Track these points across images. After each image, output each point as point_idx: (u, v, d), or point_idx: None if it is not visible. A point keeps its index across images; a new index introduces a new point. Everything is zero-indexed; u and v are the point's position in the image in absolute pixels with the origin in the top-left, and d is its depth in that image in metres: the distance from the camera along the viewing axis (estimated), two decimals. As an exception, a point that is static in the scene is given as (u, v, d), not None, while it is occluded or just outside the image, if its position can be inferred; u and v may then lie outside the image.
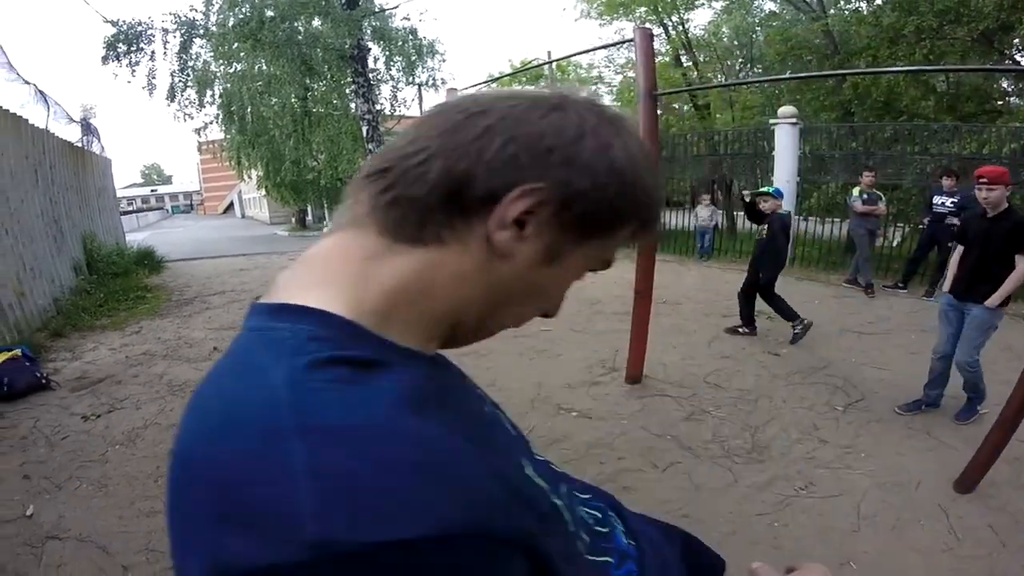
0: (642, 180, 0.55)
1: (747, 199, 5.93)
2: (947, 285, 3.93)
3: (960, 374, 3.78)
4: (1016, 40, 9.85)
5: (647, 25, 19.46)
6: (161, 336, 6.42)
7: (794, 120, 9.72)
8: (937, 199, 7.28)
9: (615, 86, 25.66)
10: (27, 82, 7.97)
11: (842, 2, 14.05)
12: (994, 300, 3.57)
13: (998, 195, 3.58)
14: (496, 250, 0.52)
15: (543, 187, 0.50)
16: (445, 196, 0.50)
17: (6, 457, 3.71)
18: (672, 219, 12.16)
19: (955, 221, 6.40)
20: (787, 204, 8.68)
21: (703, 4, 19.05)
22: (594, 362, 5.05)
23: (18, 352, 4.80)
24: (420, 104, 17.73)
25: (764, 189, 5.93)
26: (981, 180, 3.64)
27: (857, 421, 3.87)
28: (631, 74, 22.83)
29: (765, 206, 5.65)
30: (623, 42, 7.75)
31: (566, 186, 0.51)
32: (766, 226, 5.66)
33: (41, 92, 8.54)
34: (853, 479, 3.17)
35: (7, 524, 2.98)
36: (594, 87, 27.91)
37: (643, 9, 18.91)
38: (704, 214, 11.26)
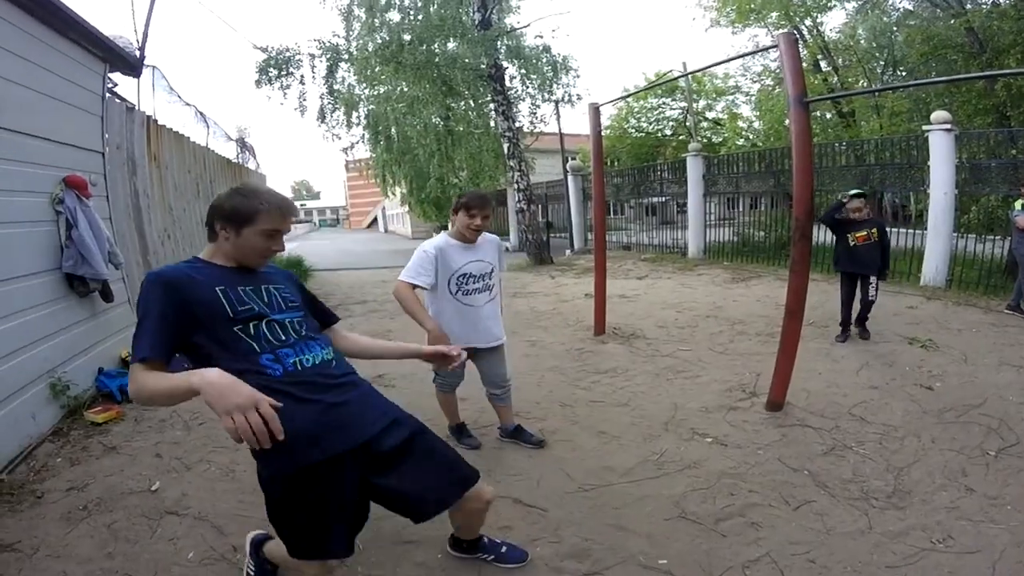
0: (230, 203, 1.82)
1: (841, 199, 6.00)
2: None
3: None
4: None
5: (782, 31, 18.62)
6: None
7: (949, 126, 8.63)
8: None
9: (752, 95, 24.65)
10: (188, 104, 8.79)
11: None
12: None
13: None
14: (221, 237, 1.84)
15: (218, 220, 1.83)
16: (209, 227, 1.87)
17: (144, 436, 4.00)
18: (821, 235, 11.32)
19: None
20: (945, 218, 8.67)
21: (835, 5, 18.00)
22: (734, 385, 4.68)
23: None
24: (558, 120, 17.80)
25: (858, 191, 6.06)
26: None
27: (1009, 468, 3.28)
28: (768, 82, 21.88)
29: (855, 207, 5.84)
30: (764, 49, 7.43)
31: (221, 217, 1.83)
32: (875, 228, 5.84)
33: (201, 113, 9.43)
34: (994, 535, 2.67)
35: (131, 495, 3.18)
36: (731, 96, 26.95)
37: (775, 14, 18.12)
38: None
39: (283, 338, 1.79)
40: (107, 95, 5.64)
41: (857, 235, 5.90)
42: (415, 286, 3.23)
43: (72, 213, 4.52)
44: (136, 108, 6.52)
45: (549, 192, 20.05)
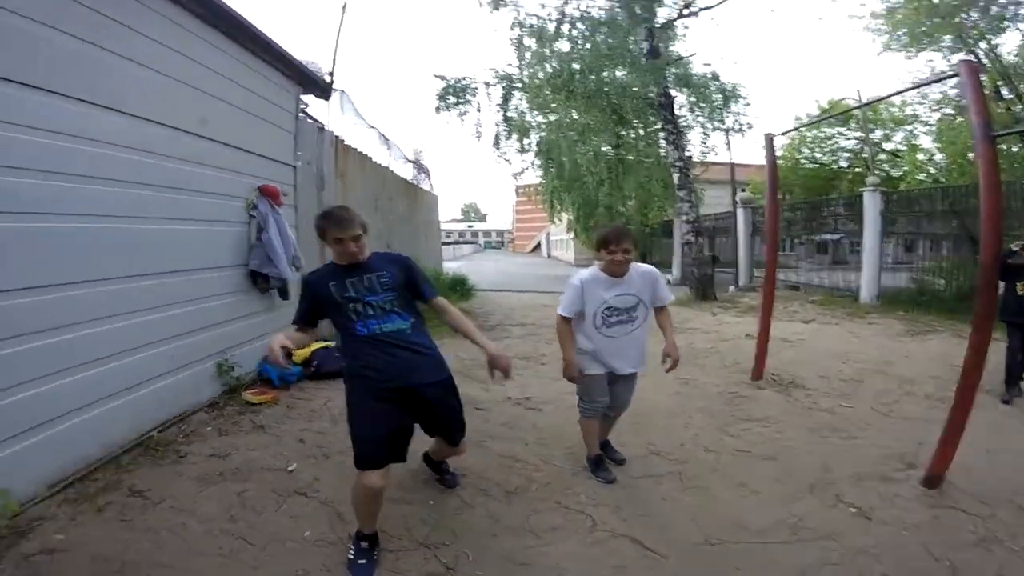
0: (315, 224, 2.73)
1: (1016, 248, 5.37)
2: None
3: None
4: None
5: (958, 56, 16.70)
6: (459, 355, 6.92)
7: None
8: None
9: (932, 124, 22.23)
10: (371, 126, 9.53)
11: None
12: None
13: None
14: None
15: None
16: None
17: (292, 422, 4.33)
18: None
19: None
20: None
21: (1009, 26, 15.85)
22: (892, 453, 4.11)
23: (331, 343, 5.63)
24: (728, 149, 17.19)
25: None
26: None
27: None
28: (948, 110, 19.78)
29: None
30: (942, 78, 6.62)
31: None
32: None
33: (384, 136, 10.16)
34: None
35: (267, 471, 3.44)
36: (910, 127, 24.49)
37: (948, 37, 16.33)
38: None
39: (370, 313, 2.69)
40: (300, 115, 6.30)
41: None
42: (568, 319, 3.41)
43: (263, 218, 5.15)
44: (326, 128, 7.18)
45: (717, 224, 19.25)
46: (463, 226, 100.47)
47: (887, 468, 3.86)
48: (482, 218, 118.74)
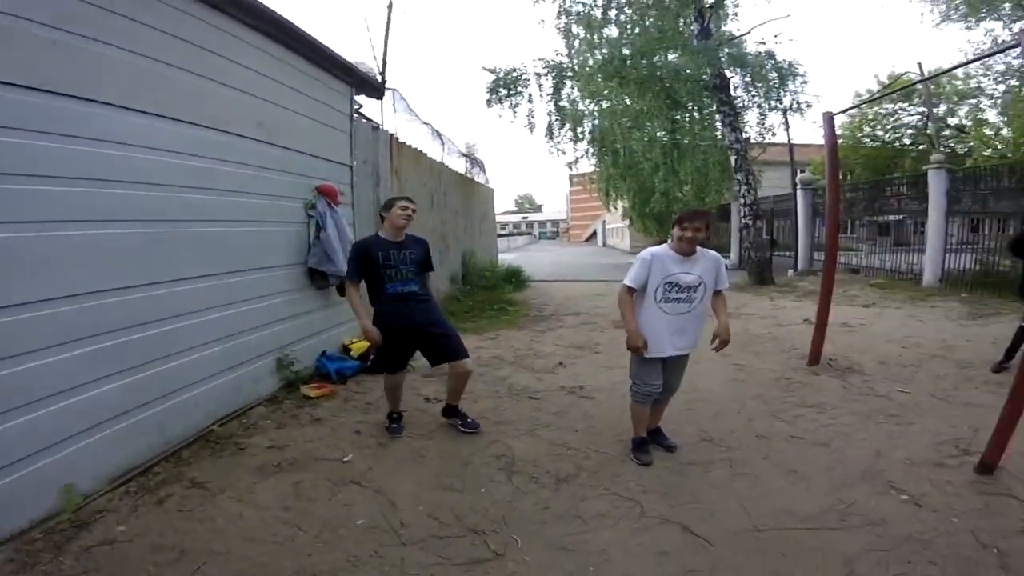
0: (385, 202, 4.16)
1: None
2: None
3: None
4: None
5: (1019, 23, 15.72)
6: (513, 345, 7.04)
7: None
8: None
9: (997, 97, 21.02)
10: (424, 123, 9.68)
11: None
12: None
13: None
14: (386, 221, 4.03)
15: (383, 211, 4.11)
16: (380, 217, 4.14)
17: (348, 414, 4.51)
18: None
19: None
20: None
21: None
22: (947, 439, 3.98)
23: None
24: (787, 129, 16.73)
25: None
26: None
27: None
28: (1015, 82, 18.65)
29: None
30: (1005, 48, 6.31)
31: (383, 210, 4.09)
32: None
33: (437, 131, 10.31)
34: None
35: (323, 461, 3.59)
36: (974, 100, 23.21)
37: (1008, 5, 15.41)
38: None
39: (398, 278, 3.92)
40: (354, 115, 6.50)
41: None
42: (632, 289, 3.55)
43: (322, 217, 5.36)
44: (380, 127, 7.37)
45: (775, 207, 18.73)
46: (518, 217, 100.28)
47: (940, 454, 3.77)
48: (537, 209, 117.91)
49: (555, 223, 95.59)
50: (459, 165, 12.31)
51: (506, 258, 18.77)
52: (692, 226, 3.40)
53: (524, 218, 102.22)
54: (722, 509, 3.12)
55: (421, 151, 9.16)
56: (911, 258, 13.10)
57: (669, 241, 3.58)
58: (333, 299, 5.71)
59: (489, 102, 15.28)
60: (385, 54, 7.14)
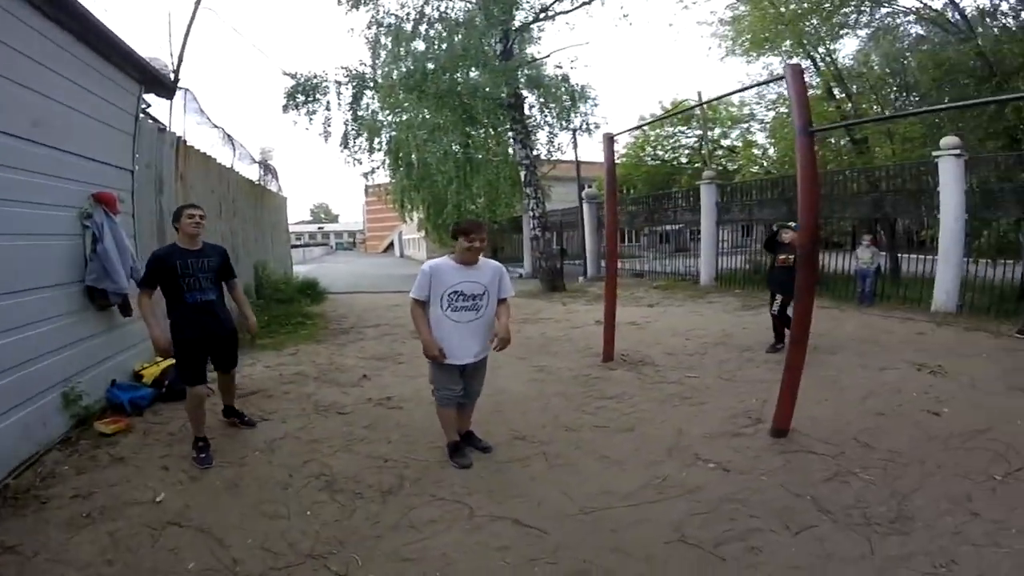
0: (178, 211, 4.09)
1: (775, 228, 7.29)
2: None
3: None
4: None
5: (795, 60, 18.71)
6: (315, 360, 6.82)
7: (958, 151, 8.72)
8: None
9: (767, 122, 24.67)
10: (215, 126, 9.04)
11: (988, 20, 12.82)
12: None
13: None
14: (179, 232, 3.98)
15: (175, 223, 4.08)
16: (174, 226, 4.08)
17: (151, 448, 4.08)
18: (831, 262, 11.33)
19: None
20: (955, 244, 8.92)
21: (848, 33, 18.08)
22: (739, 412, 4.69)
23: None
24: (575, 148, 18.00)
25: (789, 224, 7.03)
26: None
27: (1015, 493, 3.26)
28: (783, 109, 21.95)
29: (786, 236, 6.70)
30: (773, 80, 7.55)
31: (174, 220, 4.12)
32: (792, 255, 6.42)
33: (228, 135, 9.66)
34: (998, 560, 2.66)
35: (135, 505, 3.23)
36: (746, 124, 26.98)
37: (788, 43, 18.25)
38: (865, 256, 10.33)
39: (197, 287, 3.89)
40: (140, 115, 5.85)
41: (779, 257, 6.82)
42: (420, 301, 3.68)
43: (99, 228, 4.71)
44: (167, 129, 6.74)
45: (564, 219, 20.24)
46: (313, 228, 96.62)
47: (736, 426, 4.39)
48: (333, 219, 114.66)
49: (352, 233, 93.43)
50: (252, 172, 11.63)
51: (302, 270, 18.04)
52: (479, 237, 3.62)
53: (320, 228, 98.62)
54: (547, 499, 3.33)
55: (210, 156, 8.49)
56: (689, 262, 14.88)
57: (449, 255, 3.76)
58: (117, 320, 5.06)
59: (285, 108, 14.66)
60: (183, 51, 6.56)
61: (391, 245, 62.94)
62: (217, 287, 4.09)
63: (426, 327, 3.66)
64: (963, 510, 3.10)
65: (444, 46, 14.29)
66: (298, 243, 51.08)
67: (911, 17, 15.94)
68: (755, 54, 19.33)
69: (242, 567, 2.65)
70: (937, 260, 9.21)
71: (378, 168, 17.75)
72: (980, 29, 12.79)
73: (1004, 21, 12.51)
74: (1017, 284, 8.45)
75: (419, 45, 14.71)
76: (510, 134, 15.66)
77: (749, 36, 18.57)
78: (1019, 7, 12.01)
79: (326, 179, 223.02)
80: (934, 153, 9.27)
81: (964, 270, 9.08)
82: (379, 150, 16.74)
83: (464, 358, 3.70)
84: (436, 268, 3.65)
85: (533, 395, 5.31)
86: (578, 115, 15.94)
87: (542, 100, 15.76)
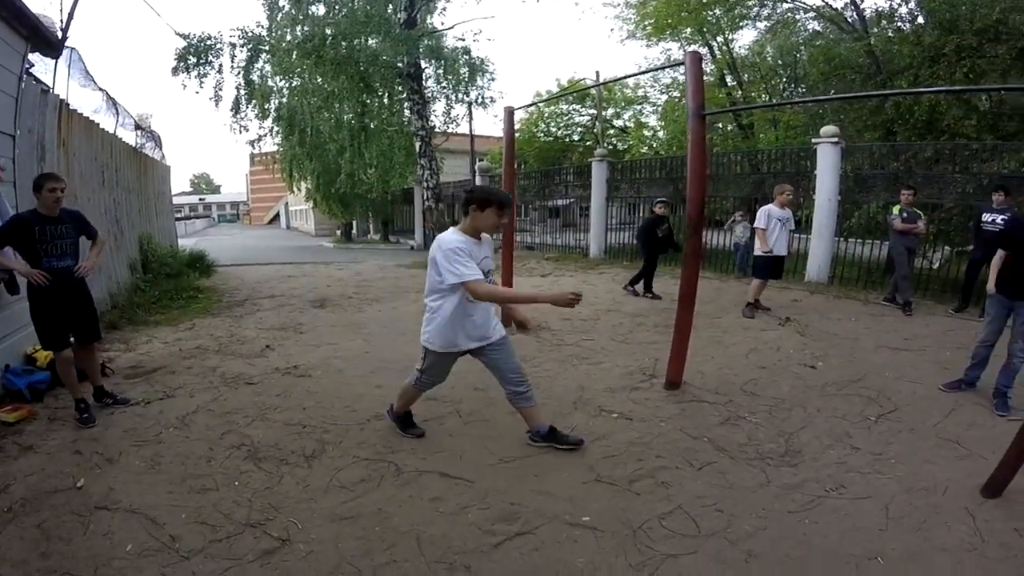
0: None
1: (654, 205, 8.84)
2: (991, 285, 4.41)
3: (1011, 361, 4.18)
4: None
5: (691, 46, 19.60)
6: (214, 333, 6.64)
7: (836, 139, 9.64)
8: (987, 216, 7.17)
9: (659, 105, 25.76)
10: (99, 89, 8.42)
11: (884, 22, 14.05)
12: None
13: None
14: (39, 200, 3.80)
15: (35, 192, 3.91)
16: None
17: (59, 433, 3.88)
18: (714, 238, 12.15)
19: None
20: (828, 223, 9.86)
21: (747, 24, 19.12)
22: (634, 369, 5.12)
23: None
24: (470, 121, 18.03)
25: (662, 199, 9.26)
26: None
27: (889, 431, 3.88)
28: (675, 94, 22.97)
29: (661, 210, 8.58)
30: (672, 64, 7.98)
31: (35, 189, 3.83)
32: (667, 224, 8.60)
33: (112, 99, 9.01)
34: (882, 483, 3.18)
35: (56, 494, 3.09)
36: (640, 106, 28.02)
37: (689, 30, 19.00)
38: (738, 230, 11.34)
39: (55, 252, 3.92)
40: (24, 76, 5.40)
41: (660, 228, 8.44)
42: (480, 281, 3.13)
43: (-21, 198, 4.37)
44: (51, 91, 6.24)
45: (457, 191, 20.30)
46: (194, 199, 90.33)
47: (633, 381, 4.83)
48: (215, 190, 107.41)
49: (235, 205, 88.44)
50: (133, 138, 10.91)
51: (186, 243, 17.16)
52: (509, 213, 3.27)
53: (202, 200, 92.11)
54: (468, 452, 3.59)
55: (94, 122, 7.90)
56: (579, 236, 15.40)
57: (454, 229, 3.31)
58: (4, 299, 4.71)
59: (175, 70, 13.83)
60: (75, 6, 6.06)
61: (276, 217, 60.77)
62: (75, 254, 4.11)
63: (525, 290, 3.46)
64: (845, 445, 3.64)
65: (344, 11, 13.88)
66: (179, 215, 48.08)
67: (811, 14, 17.10)
68: (656, 39, 20.07)
69: (182, 543, 2.65)
70: (812, 237, 10.12)
71: (267, 136, 17.31)
72: (876, 30, 13.89)
73: (899, 24, 13.65)
74: (883, 260, 9.44)
75: (319, 9, 14.26)
76: (407, 104, 15.51)
77: (653, 21, 19.21)
78: (916, 11, 13.14)
79: (208, 148, 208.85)
80: (814, 140, 10.17)
81: (835, 246, 10.09)
82: (270, 116, 16.16)
83: (488, 335, 3.40)
84: (465, 243, 3.15)
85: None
86: (476, 88, 16.09)
87: (441, 71, 15.72)
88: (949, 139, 10.44)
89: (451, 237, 3.20)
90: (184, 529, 2.77)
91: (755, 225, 7.42)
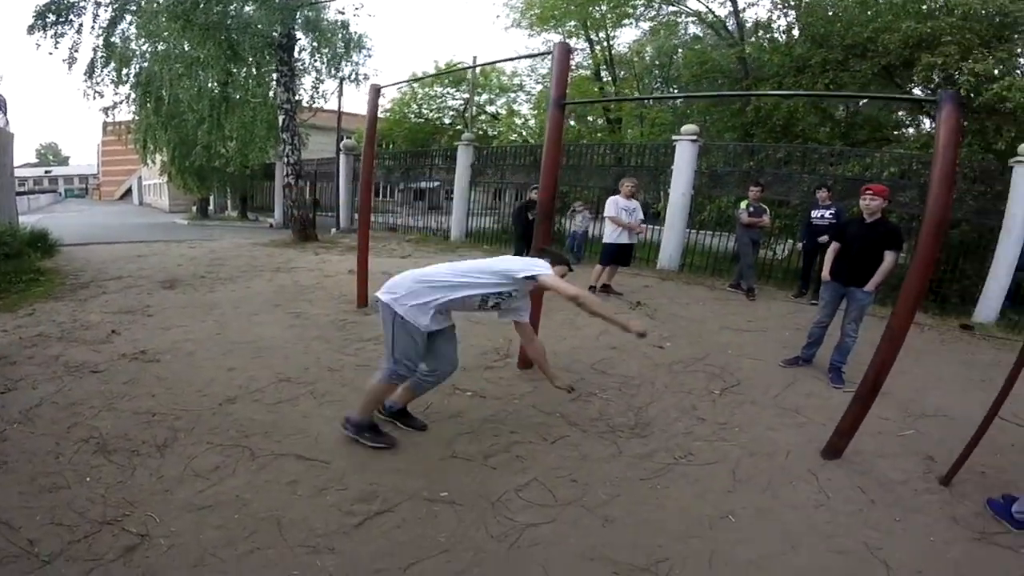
0: None
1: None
2: (826, 273, 5.07)
3: (844, 340, 4.87)
4: (916, 75, 10.78)
5: (573, 39, 20.09)
6: (56, 319, 6.18)
7: (694, 137, 10.47)
8: (815, 213, 8.08)
9: (534, 94, 26.26)
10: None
11: (761, 32, 15.09)
12: (871, 285, 4.73)
13: (878, 204, 4.75)
14: None
15: None
16: None
17: None
18: (571, 225, 12.62)
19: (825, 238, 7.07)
20: (681, 215, 10.65)
21: (630, 23, 19.82)
22: (488, 349, 5.33)
23: None
24: (339, 97, 17.59)
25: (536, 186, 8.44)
26: (867, 191, 4.80)
27: (733, 403, 4.35)
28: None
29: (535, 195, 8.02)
30: (542, 54, 8.20)
31: None
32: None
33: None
34: (728, 449, 3.60)
35: None
36: (514, 94, 28.40)
37: (572, 23, 19.45)
38: (576, 220, 11.76)
39: None
40: None
41: (531, 211, 8.23)
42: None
43: None
44: None
45: (319, 170, 20.08)
46: (39, 172, 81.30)
47: (487, 360, 5.10)
48: (63, 162, 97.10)
49: (84, 179, 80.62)
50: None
51: (28, 221, 15.67)
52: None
53: (47, 172, 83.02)
54: (323, 433, 3.67)
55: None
56: (441, 219, 15.67)
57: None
58: None
59: (32, 28, 12.46)
60: None
61: (128, 192, 56.30)
62: None
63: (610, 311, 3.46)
64: (691, 417, 4.05)
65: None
66: (22, 190, 43.55)
67: (693, 18, 17.96)
68: (539, 29, 20.37)
69: (41, 547, 2.53)
70: (664, 229, 10.89)
71: (122, 102, 15.90)
72: (753, 39, 14.85)
73: (775, 35, 14.66)
74: (731, 250, 10.30)
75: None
76: (274, 76, 14.76)
77: (538, 11, 19.47)
78: (792, 24, 14.13)
79: (59, 115, 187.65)
80: (674, 137, 10.97)
81: (687, 237, 10.93)
82: (127, 82, 14.93)
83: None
84: None
85: (293, 340, 5.52)
86: (350, 64, 15.66)
87: (315, 44, 15.20)
88: (803, 143, 11.54)
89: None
90: (40, 532, 2.63)
91: (604, 214, 7.93)
